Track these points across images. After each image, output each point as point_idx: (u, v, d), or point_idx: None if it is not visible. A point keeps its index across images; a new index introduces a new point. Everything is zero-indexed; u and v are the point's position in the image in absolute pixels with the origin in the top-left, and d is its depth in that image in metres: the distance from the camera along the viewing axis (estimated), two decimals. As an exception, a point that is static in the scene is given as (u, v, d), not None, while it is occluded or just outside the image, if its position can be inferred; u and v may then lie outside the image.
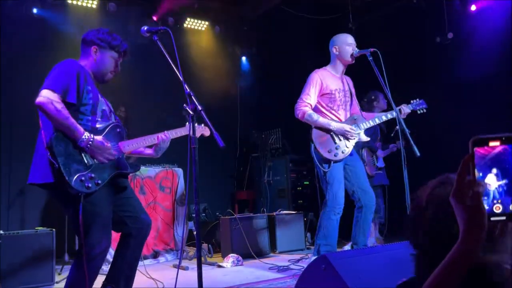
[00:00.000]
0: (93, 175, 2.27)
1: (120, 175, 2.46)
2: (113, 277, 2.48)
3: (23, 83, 5.21)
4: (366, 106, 4.96)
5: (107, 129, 2.44)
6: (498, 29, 5.17)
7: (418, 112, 3.79)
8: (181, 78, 2.21)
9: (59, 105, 2.22)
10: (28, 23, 5.35)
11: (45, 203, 5.34)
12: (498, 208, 0.79)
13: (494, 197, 0.80)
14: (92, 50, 2.51)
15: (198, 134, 2.75)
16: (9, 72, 5.10)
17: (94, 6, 5.75)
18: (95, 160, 2.32)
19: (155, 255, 4.92)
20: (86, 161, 2.28)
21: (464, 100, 5.31)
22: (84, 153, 2.28)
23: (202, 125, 2.81)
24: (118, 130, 2.51)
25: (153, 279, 3.63)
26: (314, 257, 3.55)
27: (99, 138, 2.31)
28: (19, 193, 5.19)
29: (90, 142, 2.26)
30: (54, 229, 3.84)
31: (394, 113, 3.44)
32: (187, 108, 2.14)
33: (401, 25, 5.94)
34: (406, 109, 3.69)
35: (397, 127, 3.27)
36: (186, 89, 2.19)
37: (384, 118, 3.67)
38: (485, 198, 0.80)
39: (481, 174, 0.80)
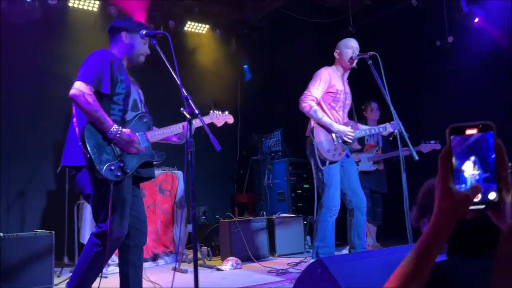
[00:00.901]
0: (121, 164, 2.38)
1: (146, 163, 2.55)
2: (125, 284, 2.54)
3: (23, 85, 5.25)
4: (357, 115, 5.01)
5: (135, 119, 2.54)
6: (498, 32, 5.18)
7: (395, 133, 3.77)
8: (178, 82, 2.23)
9: (90, 98, 2.32)
10: (28, 26, 5.37)
11: (45, 205, 5.35)
12: (477, 197, 0.79)
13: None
14: (122, 35, 2.60)
15: (221, 122, 2.91)
16: (9, 74, 5.12)
17: (95, 9, 5.77)
18: (123, 150, 2.41)
19: (154, 257, 4.92)
20: (115, 151, 2.38)
21: (464, 102, 5.31)
22: (113, 144, 2.38)
23: (226, 112, 2.95)
24: (145, 120, 2.60)
25: (151, 281, 3.63)
26: (312, 260, 3.55)
27: (127, 131, 2.40)
28: (19, 195, 5.20)
29: (118, 134, 2.36)
30: (53, 232, 3.84)
31: (385, 128, 3.53)
32: (184, 112, 2.16)
33: (401, 28, 5.95)
34: (390, 128, 3.70)
35: (396, 131, 3.27)
36: (184, 93, 2.20)
37: (373, 132, 3.80)
38: (463, 186, 0.80)
39: (458, 162, 0.80)
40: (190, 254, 5.02)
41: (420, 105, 5.64)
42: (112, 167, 2.33)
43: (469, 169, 0.80)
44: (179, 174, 5.34)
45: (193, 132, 2.70)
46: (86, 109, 2.31)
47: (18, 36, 5.28)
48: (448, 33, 5.62)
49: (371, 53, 3.46)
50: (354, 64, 3.72)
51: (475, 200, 0.79)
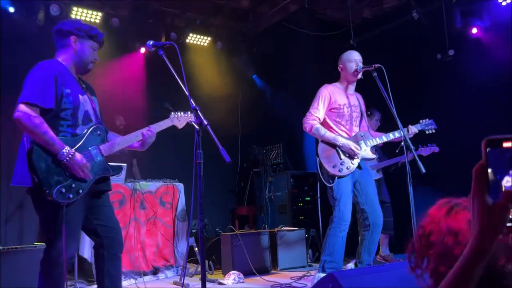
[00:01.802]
0: (73, 184, 2.27)
1: (101, 179, 2.43)
2: None
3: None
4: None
5: (87, 133, 2.41)
6: (499, 45, 5.21)
7: (427, 132, 3.80)
8: (187, 93, 2.20)
9: (37, 120, 2.21)
10: (31, 37, 5.37)
11: (44, 218, 5.28)
12: None
13: None
14: (72, 40, 2.44)
15: (183, 124, 2.72)
16: (10, 85, 5.09)
17: (97, 21, 5.79)
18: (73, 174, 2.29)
19: (155, 271, 4.84)
20: (66, 172, 2.27)
21: (466, 116, 5.32)
22: (64, 164, 2.26)
23: (188, 112, 2.74)
24: (98, 132, 2.47)
25: (153, 296, 3.56)
26: (318, 274, 3.49)
27: (78, 155, 2.28)
28: (18, 208, 5.14)
29: (69, 157, 2.24)
30: (53, 244, 3.78)
31: (401, 132, 3.43)
32: (193, 123, 2.13)
33: (402, 42, 5.98)
34: (413, 128, 3.71)
35: (402, 143, 3.25)
36: (192, 104, 2.17)
37: (391, 136, 3.65)
38: None
39: (495, 176, 0.77)
40: (191, 267, 4.95)
41: (421, 117, 5.64)
42: (63, 190, 2.22)
43: (508, 184, 0.76)
44: (180, 186, 5.30)
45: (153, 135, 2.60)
46: (32, 131, 2.20)
47: (20, 47, 5.27)
48: (449, 46, 5.65)
49: (376, 65, 3.44)
50: (360, 76, 3.69)
51: None
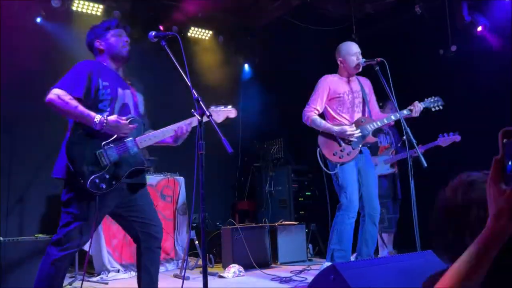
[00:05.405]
0: (107, 175, 2.30)
1: (137, 171, 2.46)
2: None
3: (24, 89, 5.20)
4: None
5: None
6: (501, 40, 5.19)
7: (433, 110, 3.73)
8: (189, 84, 2.20)
9: (66, 97, 2.30)
10: (31, 31, 5.35)
11: (44, 211, 5.28)
12: None
13: None
14: (96, 44, 2.58)
15: (223, 117, 2.77)
16: (11, 78, 5.08)
17: (99, 13, 5.76)
18: (111, 159, 2.33)
19: (155, 264, 4.85)
20: (102, 162, 2.31)
21: (468, 112, 5.30)
22: (100, 155, 2.31)
23: (229, 106, 2.82)
24: (135, 124, 2.50)
25: (153, 288, 3.56)
26: (326, 262, 3.48)
27: (112, 117, 2.33)
28: (18, 201, 5.14)
29: (104, 123, 2.29)
30: (54, 236, 3.78)
31: (401, 114, 3.42)
32: (195, 114, 2.12)
33: (405, 37, 5.95)
34: (420, 104, 3.61)
35: (404, 137, 3.24)
36: (194, 95, 2.17)
37: (393, 118, 3.60)
38: None
39: (510, 163, 0.81)
40: (191, 261, 4.96)
41: (423, 113, 5.63)
42: (97, 180, 2.26)
43: None
44: (181, 179, 5.30)
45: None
46: (63, 109, 2.29)
47: (21, 39, 5.26)
48: (452, 42, 5.63)
49: (379, 59, 3.44)
50: (360, 69, 3.69)
51: None
